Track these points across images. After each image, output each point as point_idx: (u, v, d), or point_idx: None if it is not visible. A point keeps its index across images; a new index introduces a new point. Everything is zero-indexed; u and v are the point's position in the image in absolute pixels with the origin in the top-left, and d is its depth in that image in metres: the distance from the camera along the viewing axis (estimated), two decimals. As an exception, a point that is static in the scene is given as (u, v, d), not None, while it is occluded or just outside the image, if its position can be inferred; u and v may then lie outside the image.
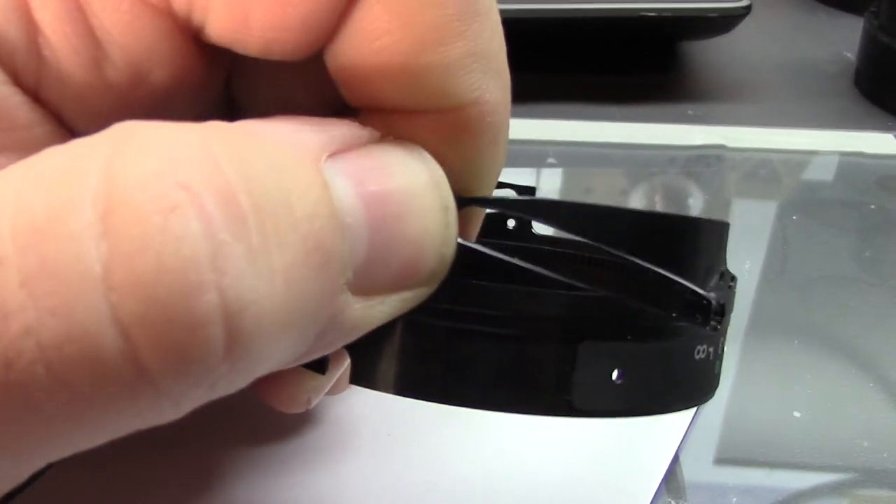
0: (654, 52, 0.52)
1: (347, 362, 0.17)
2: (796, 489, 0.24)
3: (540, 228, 0.25)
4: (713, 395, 0.18)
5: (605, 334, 0.16)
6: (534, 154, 0.42)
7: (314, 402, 0.21)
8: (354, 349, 0.16)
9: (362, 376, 0.16)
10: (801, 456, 0.25)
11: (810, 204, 0.39)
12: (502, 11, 0.16)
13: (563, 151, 0.42)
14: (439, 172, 0.15)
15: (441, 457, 0.23)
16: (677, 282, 0.16)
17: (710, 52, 0.53)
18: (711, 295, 0.16)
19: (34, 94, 0.15)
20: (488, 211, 0.27)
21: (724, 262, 0.18)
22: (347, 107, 0.20)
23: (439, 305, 0.15)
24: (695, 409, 0.25)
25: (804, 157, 0.43)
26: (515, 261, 0.15)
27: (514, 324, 0.15)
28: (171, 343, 0.10)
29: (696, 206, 0.39)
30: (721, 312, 0.16)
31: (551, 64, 0.49)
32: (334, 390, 0.23)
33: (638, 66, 0.51)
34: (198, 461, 0.22)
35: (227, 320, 0.11)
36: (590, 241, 0.16)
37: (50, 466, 0.14)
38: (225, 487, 0.22)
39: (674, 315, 0.16)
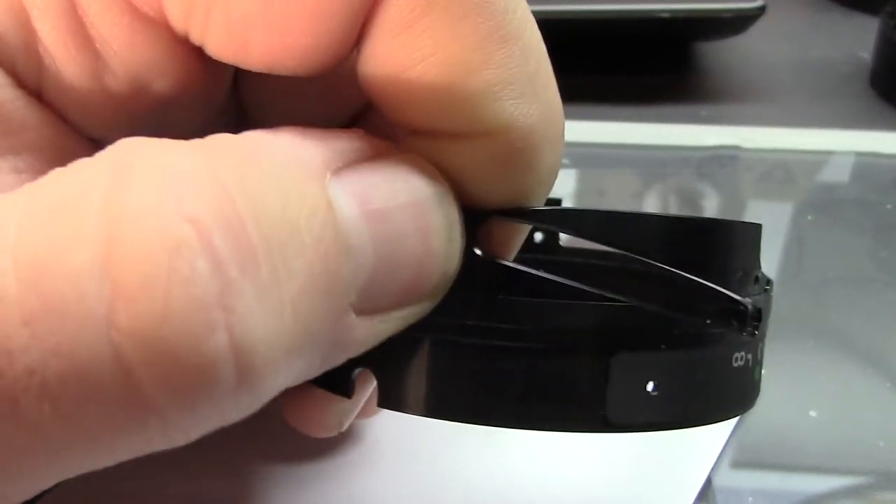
0: (667, 53, 0.52)
1: (374, 383, 0.16)
2: (813, 492, 0.24)
3: (568, 240, 0.25)
4: (753, 404, 0.17)
5: (639, 344, 0.15)
6: (547, 155, 0.42)
7: (345, 426, 0.20)
8: (381, 371, 0.15)
9: (390, 399, 0.16)
10: (817, 457, 0.25)
11: (826, 204, 0.39)
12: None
13: (577, 152, 0.42)
14: (443, 187, 0.14)
15: (465, 474, 0.23)
16: (712, 288, 0.15)
17: (723, 53, 0.53)
18: (747, 300, 0.15)
19: (38, 97, 0.15)
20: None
21: (759, 266, 0.17)
22: (357, 113, 0.19)
23: (466, 322, 0.15)
24: (733, 423, 0.25)
25: (819, 158, 0.43)
26: (542, 273, 0.15)
27: (544, 337, 0.15)
28: (180, 383, 0.10)
29: (710, 207, 0.39)
30: (758, 318, 0.16)
31: (565, 65, 0.49)
32: (365, 414, 0.22)
33: (651, 67, 0.51)
34: (220, 480, 0.22)
35: (238, 358, 0.10)
36: (617, 251, 0.15)
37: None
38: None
39: (709, 322, 0.15)
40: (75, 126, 0.16)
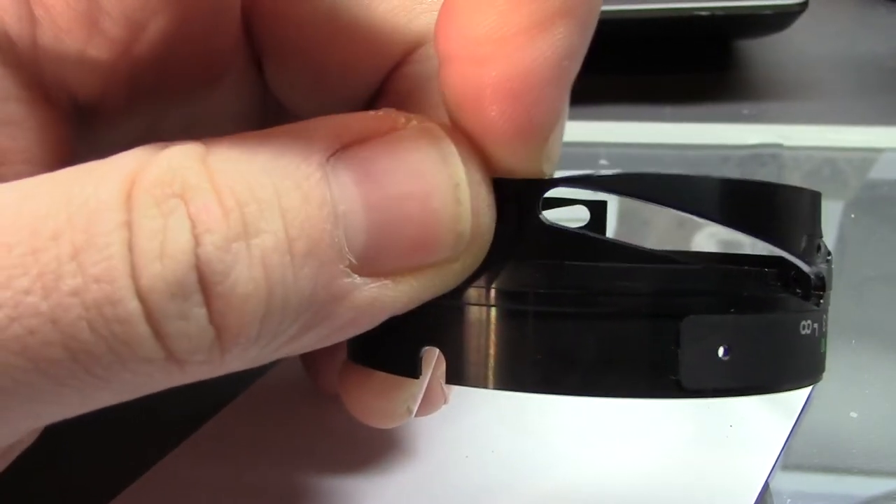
0: (708, 51, 0.52)
1: (435, 363, 0.16)
2: (853, 496, 0.23)
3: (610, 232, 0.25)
4: (821, 376, 0.17)
5: (708, 307, 0.15)
6: (586, 155, 0.42)
7: (414, 412, 0.20)
8: (448, 346, 0.16)
9: (459, 374, 0.16)
10: (858, 460, 0.24)
11: (870, 202, 0.39)
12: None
13: (616, 153, 0.42)
14: (451, 149, 0.15)
15: (519, 472, 0.23)
16: (777, 254, 0.15)
17: (765, 50, 0.52)
18: (812, 268, 0.15)
19: (33, 63, 0.16)
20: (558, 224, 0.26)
21: (821, 234, 0.17)
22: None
23: (534, 290, 0.15)
24: (790, 427, 0.25)
25: (864, 155, 0.42)
26: (609, 238, 0.15)
27: (613, 302, 0.15)
28: (171, 308, 0.13)
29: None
30: (822, 286, 0.16)
31: (604, 64, 0.49)
32: (426, 409, 0.22)
33: (692, 66, 0.51)
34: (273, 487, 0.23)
35: (204, 291, 0.13)
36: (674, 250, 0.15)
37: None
38: None
39: (774, 286, 0.15)
40: (72, 91, 0.17)
